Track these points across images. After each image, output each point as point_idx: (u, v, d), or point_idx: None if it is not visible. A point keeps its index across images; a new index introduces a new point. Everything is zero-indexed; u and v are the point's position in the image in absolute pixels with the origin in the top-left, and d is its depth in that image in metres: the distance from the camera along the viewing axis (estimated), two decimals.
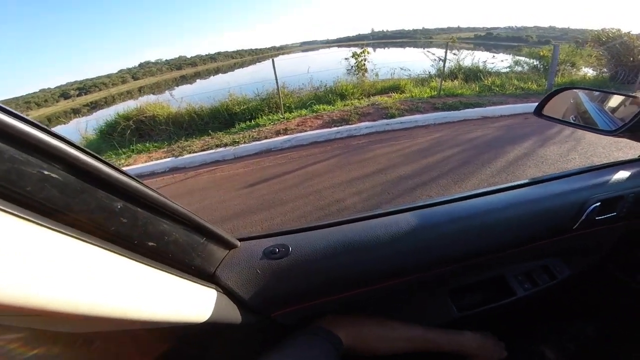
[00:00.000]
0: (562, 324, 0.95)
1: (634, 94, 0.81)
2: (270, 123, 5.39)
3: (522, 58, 8.97)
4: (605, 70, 7.82)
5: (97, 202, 0.30)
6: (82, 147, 0.28)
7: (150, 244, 0.36)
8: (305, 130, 4.84)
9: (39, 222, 0.24)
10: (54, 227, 0.25)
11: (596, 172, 0.77)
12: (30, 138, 0.24)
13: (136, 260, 0.33)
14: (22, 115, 0.24)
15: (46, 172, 0.25)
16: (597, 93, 0.93)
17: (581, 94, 0.92)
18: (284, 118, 5.53)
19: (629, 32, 7.41)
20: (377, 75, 7.76)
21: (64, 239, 0.26)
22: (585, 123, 0.88)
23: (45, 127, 0.26)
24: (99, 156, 0.30)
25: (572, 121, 0.91)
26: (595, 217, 0.70)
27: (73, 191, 0.27)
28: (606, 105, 0.87)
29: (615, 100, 0.86)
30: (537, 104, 0.95)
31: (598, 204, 0.69)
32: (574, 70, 8.18)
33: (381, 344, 0.63)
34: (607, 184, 0.72)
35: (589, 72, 8.21)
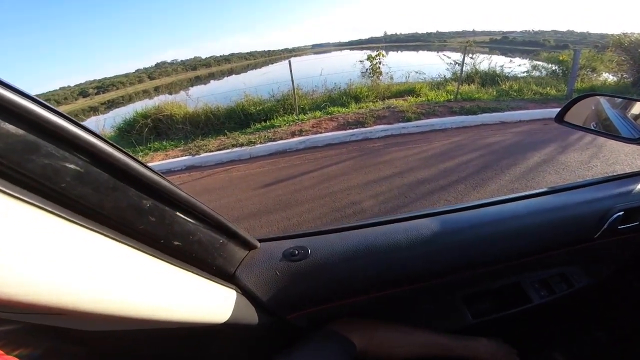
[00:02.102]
0: (576, 333, 0.94)
1: None
2: (285, 124, 5.43)
3: (540, 63, 8.80)
4: (627, 75, 7.60)
5: (128, 199, 0.30)
6: (115, 144, 0.28)
7: (176, 243, 0.36)
8: (320, 132, 4.86)
9: (71, 218, 0.24)
10: (85, 224, 0.25)
11: (619, 181, 0.76)
12: (67, 134, 0.24)
13: (162, 260, 0.33)
14: (60, 111, 0.24)
15: (81, 169, 0.25)
16: (619, 100, 0.92)
17: (603, 101, 0.91)
18: (298, 119, 5.56)
19: None
20: (391, 78, 7.73)
21: (93, 236, 0.26)
22: (607, 130, 0.87)
23: (82, 123, 0.26)
24: (130, 153, 0.30)
25: (594, 128, 0.90)
26: (617, 226, 0.69)
27: (105, 188, 0.27)
28: (629, 113, 0.85)
29: (638, 107, 0.85)
30: (557, 109, 0.94)
31: (621, 213, 0.68)
32: (595, 75, 7.98)
33: (395, 349, 0.63)
34: (631, 194, 0.71)
35: (609, 77, 7.99)
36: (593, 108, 0.92)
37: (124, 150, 0.29)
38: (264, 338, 0.58)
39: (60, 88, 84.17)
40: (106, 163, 0.27)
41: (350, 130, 4.77)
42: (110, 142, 0.28)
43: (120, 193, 0.29)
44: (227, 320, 0.43)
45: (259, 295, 0.51)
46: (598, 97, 0.94)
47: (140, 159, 0.29)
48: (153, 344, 0.45)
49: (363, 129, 4.78)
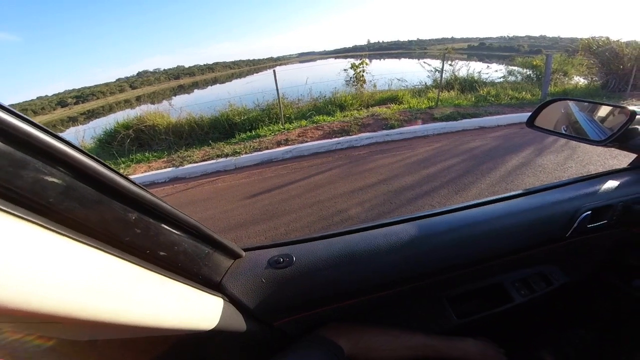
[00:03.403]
0: (561, 330, 0.97)
1: (622, 104, 0.84)
2: (270, 133, 5.43)
3: (516, 68, 9.15)
4: (596, 78, 7.98)
5: (113, 212, 0.31)
6: (100, 160, 0.30)
7: (162, 253, 0.37)
8: (306, 141, 4.88)
9: (59, 230, 0.25)
10: (72, 236, 0.26)
11: (587, 182, 0.79)
12: (55, 151, 0.25)
13: (149, 269, 0.35)
14: (47, 128, 0.26)
15: (67, 185, 0.27)
16: (586, 104, 0.95)
17: (572, 105, 0.95)
18: (284, 129, 5.58)
19: (617, 40, 7.58)
20: (375, 86, 7.88)
21: (80, 248, 0.27)
22: (576, 133, 0.90)
23: (67, 139, 0.27)
24: (114, 168, 0.31)
25: (564, 132, 0.93)
26: (586, 225, 0.72)
27: (91, 202, 0.29)
28: (596, 115, 0.89)
29: (604, 111, 0.89)
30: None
31: (589, 212, 0.71)
32: (566, 79, 8.35)
33: (383, 352, 0.63)
34: (597, 193, 0.74)
35: (580, 80, 8.37)
36: (562, 112, 0.95)
37: (108, 165, 0.31)
38: (254, 345, 0.59)
39: (37, 97, 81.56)
40: (92, 178, 0.29)
41: (336, 139, 4.81)
42: (96, 157, 0.29)
43: (105, 206, 0.30)
44: (215, 328, 0.44)
45: (245, 303, 0.52)
46: (567, 101, 0.97)
47: (122, 172, 0.30)
48: (143, 353, 0.45)
49: (348, 137, 4.83)
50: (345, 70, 7.93)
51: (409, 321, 0.79)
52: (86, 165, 0.28)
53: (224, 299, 0.49)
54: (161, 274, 0.36)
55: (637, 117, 0.76)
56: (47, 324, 0.27)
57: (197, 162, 4.65)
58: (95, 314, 0.27)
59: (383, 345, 0.64)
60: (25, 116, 0.24)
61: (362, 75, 7.56)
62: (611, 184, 0.76)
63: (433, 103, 6.35)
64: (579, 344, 0.94)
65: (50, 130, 0.26)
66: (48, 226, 0.25)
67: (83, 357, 0.37)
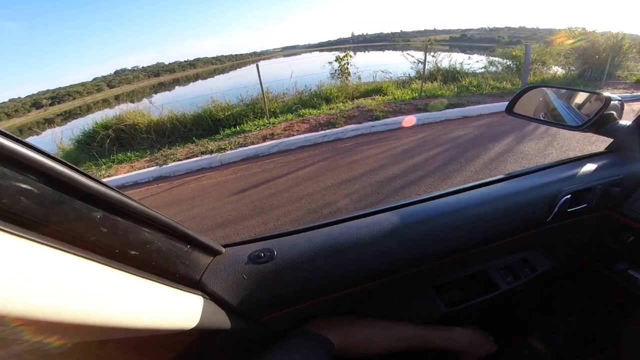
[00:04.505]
0: (548, 316, 0.98)
1: (598, 91, 0.86)
2: (256, 128, 5.36)
3: (496, 58, 9.32)
4: (573, 68, 8.24)
5: (75, 212, 0.30)
6: (58, 157, 0.28)
7: (133, 252, 0.36)
8: (292, 135, 4.84)
9: (18, 233, 0.24)
10: (33, 239, 0.25)
11: (566, 165, 0.79)
12: (4, 150, 0.24)
13: (119, 269, 0.33)
14: None
15: (22, 185, 0.25)
16: (564, 91, 0.97)
17: (549, 92, 0.96)
18: (269, 123, 5.51)
19: (593, 31, 7.84)
20: (359, 78, 7.88)
21: (43, 250, 0.26)
22: (554, 120, 0.92)
23: (19, 138, 0.26)
24: (75, 167, 0.30)
25: (542, 118, 0.95)
26: (567, 209, 0.72)
27: (51, 202, 0.27)
28: (573, 102, 0.91)
29: (581, 97, 0.91)
30: None
31: (569, 196, 0.71)
32: (545, 69, 8.58)
33: (373, 344, 0.63)
34: (576, 177, 0.74)
35: (558, 70, 8.62)
36: (541, 99, 0.97)
37: (68, 163, 0.29)
38: (242, 342, 0.58)
39: (9, 100, 77.83)
40: (49, 177, 0.27)
41: (322, 132, 4.80)
42: (53, 155, 0.28)
43: (66, 206, 0.29)
44: (197, 326, 0.42)
45: (227, 300, 0.51)
46: (544, 88, 0.99)
47: (104, 173, 0.28)
48: (125, 355, 0.44)
49: (334, 130, 4.83)
50: (330, 63, 7.90)
51: (397, 312, 0.79)
52: (41, 164, 0.26)
53: (204, 297, 0.47)
54: (133, 274, 0.35)
55: (612, 103, 0.77)
56: (12, 328, 0.25)
57: (181, 160, 4.55)
58: (58, 314, 0.26)
59: (372, 337, 0.63)
60: None
61: (347, 68, 7.54)
62: (589, 167, 0.77)
63: (417, 94, 6.41)
64: (565, 329, 0.95)
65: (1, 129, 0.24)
66: (3, 228, 0.23)
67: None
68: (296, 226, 0.65)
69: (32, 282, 0.24)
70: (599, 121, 0.78)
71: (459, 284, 0.84)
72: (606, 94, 0.79)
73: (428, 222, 0.64)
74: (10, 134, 0.25)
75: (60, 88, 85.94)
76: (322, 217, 2.66)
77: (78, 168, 0.30)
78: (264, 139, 4.85)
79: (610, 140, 0.85)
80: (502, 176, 0.78)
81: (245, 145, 4.69)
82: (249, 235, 2.57)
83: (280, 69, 7.96)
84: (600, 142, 3.28)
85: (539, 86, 1.00)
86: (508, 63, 8.76)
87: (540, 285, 0.92)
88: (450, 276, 0.83)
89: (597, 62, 7.40)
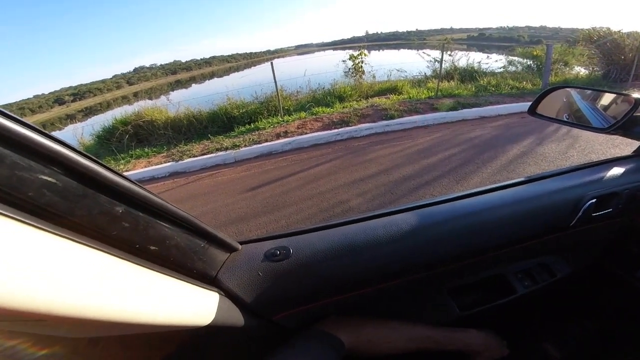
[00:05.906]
0: (564, 322, 0.95)
1: (625, 92, 0.82)
2: (270, 126, 5.40)
3: (516, 58, 9.07)
4: (597, 68, 7.93)
5: (99, 206, 0.30)
6: (83, 151, 0.28)
7: (152, 248, 0.36)
8: (306, 133, 4.86)
9: (41, 226, 0.24)
10: (56, 232, 0.25)
11: (591, 169, 0.77)
12: (31, 143, 0.24)
13: (138, 264, 0.33)
14: (23, 120, 0.24)
15: (48, 178, 0.25)
16: (589, 91, 0.94)
17: (573, 93, 0.94)
18: (283, 121, 5.55)
19: (619, 31, 7.52)
20: (374, 77, 7.81)
21: (66, 244, 0.26)
22: (579, 121, 0.89)
23: (46, 132, 0.26)
24: (99, 160, 0.30)
25: (566, 119, 0.92)
26: (591, 213, 0.70)
27: (75, 196, 0.27)
28: (598, 104, 0.88)
29: (607, 99, 0.87)
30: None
31: (594, 200, 0.69)
32: (567, 69, 8.29)
33: (384, 345, 0.62)
34: (602, 181, 0.72)
35: (581, 71, 8.32)
36: (565, 100, 0.94)
37: (92, 157, 0.29)
38: (253, 340, 0.58)
39: (34, 96, 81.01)
40: (74, 171, 0.27)
41: (335, 130, 4.79)
42: (78, 149, 0.28)
43: (90, 200, 0.29)
44: (212, 323, 0.42)
45: (242, 297, 0.51)
46: (568, 89, 0.96)
47: (122, 168, 0.28)
48: (140, 350, 0.44)
49: (348, 128, 4.81)
50: (343, 61, 7.85)
51: (410, 313, 0.78)
52: (67, 158, 0.26)
53: (219, 294, 0.47)
54: (152, 269, 0.35)
55: None
56: (32, 322, 0.26)
57: (196, 156, 4.63)
58: (80, 310, 0.26)
59: (384, 337, 0.63)
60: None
61: (361, 66, 7.49)
62: (616, 171, 0.74)
63: (433, 93, 6.31)
64: (582, 335, 0.92)
65: (25, 121, 0.24)
66: (28, 221, 0.23)
67: (83, 356, 0.37)
68: (311, 224, 0.65)
69: (55, 277, 0.24)
70: (627, 123, 0.75)
71: (474, 287, 0.82)
72: (635, 95, 0.76)
73: (446, 224, 0.63)
74: (36, 126, 0.25)
75: (81, 85, 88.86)
76: (334, 216, 2.66)
77: (100, 161, 0.30)
78: (278, 136, 4.88)
79: (639, 143, 0.82)
80: (523, 178, 0.76)
81: (259, 143, 4.73)
82: (263, 233, 2.60)
83: (294, 67, 7.97)
84: (624, 145, 3.15)
85: (562, 87, 0.97)
86: (528, 63, 8.51)
87: (558, 290, 0.89)
88: (466, 279, 0.81)
89: (622, 62, 7.10)
